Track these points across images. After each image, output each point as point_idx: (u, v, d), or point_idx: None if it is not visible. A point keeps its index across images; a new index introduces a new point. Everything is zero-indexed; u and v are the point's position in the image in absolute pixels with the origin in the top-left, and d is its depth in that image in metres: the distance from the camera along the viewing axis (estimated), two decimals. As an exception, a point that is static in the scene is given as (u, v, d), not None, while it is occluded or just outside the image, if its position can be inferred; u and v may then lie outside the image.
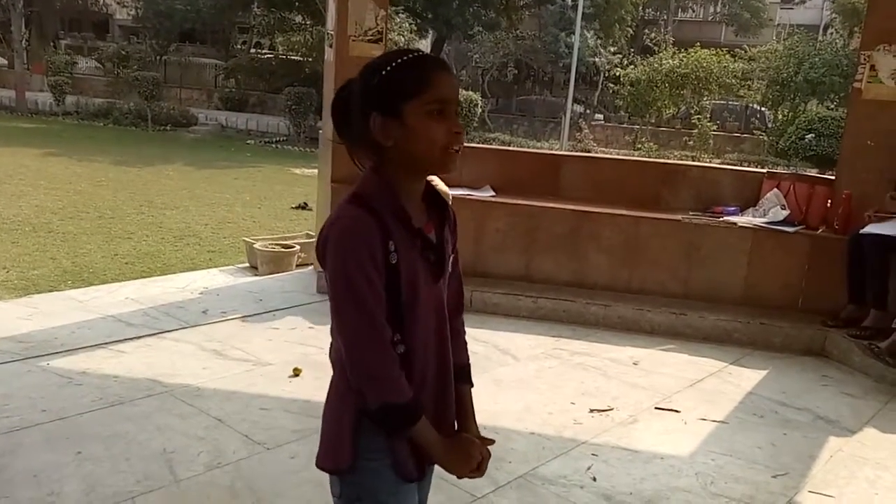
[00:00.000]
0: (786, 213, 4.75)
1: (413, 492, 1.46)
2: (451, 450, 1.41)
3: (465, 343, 1.57)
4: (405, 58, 1.32)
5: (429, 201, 1.42)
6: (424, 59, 1.34)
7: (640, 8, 27.77)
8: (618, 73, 21.69)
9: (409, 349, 1.36)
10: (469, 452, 1.42)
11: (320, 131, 5.79)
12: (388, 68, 1.31)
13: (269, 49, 28.37)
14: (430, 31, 25.58)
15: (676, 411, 3.45)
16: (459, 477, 1.44)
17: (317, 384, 2.74)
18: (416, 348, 1.37)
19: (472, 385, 1.56)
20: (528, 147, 17.16)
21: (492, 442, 1.49)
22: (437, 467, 1.46)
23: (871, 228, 4.18)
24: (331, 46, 5.01)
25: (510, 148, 13.33)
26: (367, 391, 1.33)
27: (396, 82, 1.31)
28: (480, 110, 19.90)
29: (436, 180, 5.19)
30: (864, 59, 4.57)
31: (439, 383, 1.45)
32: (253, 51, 29.17)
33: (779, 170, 11.54)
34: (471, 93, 19.96)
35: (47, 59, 23.63)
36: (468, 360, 1.57)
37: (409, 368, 1.37)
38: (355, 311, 1.30)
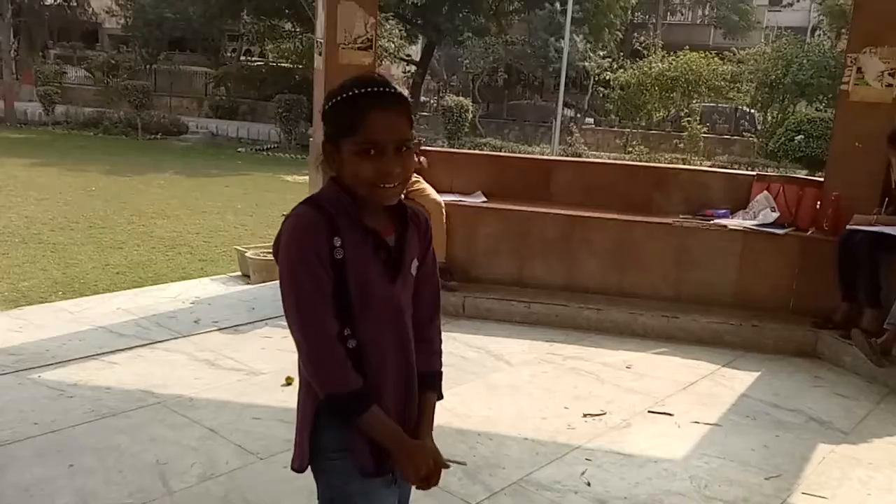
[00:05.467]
0: (776, 215, 4.78)
1: (385, 491, 1.47)
2: (402, 448, 1.42)
3: (438, 352, 1.58)
4: (348, 94, 1.36)
5: (389, 208, 1.46)
6: (366, 97, 1.35)
7: (629, 12, 27.89)
8: (608, 77, 21.77)
9: (362, 345, 1.40)
10: (416, 461, 1.43)
11: (311, 138, 5.79)
12: (332, 103, 1.38)
13: (260, 56, 28.34)
14: (420, 38, 25.62)
15: (669, 415, 3.46)
16: (408, 481, 1.46)
17: (310, 393, 2.74)
18: (370, 345, 1.41)
19: (437, 394, 1.56)
20: (520, 152, 17.20)
21: (446, 466, 1.49)
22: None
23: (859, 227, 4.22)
24: (320, 54, 5.01)
25: (501, 153, 13.36)
26: (313, 381, 1.39)
27: (335, 118, 1.38)
28: (471, 116, 19.92)
29: (427, 189, 5.17)
30: (851, 62, 4.61)
31: (402, 386, 1.48)
32: (243, 58, 29.14)
33: (768, 171, 11.62)
34: (461, 98, 20.00)
35: (36, 68, 23.52)
36: (439, 368, 1.58)
37: (362, 364, 1.40)
38: (296, 302, 1.36)
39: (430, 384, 1.55)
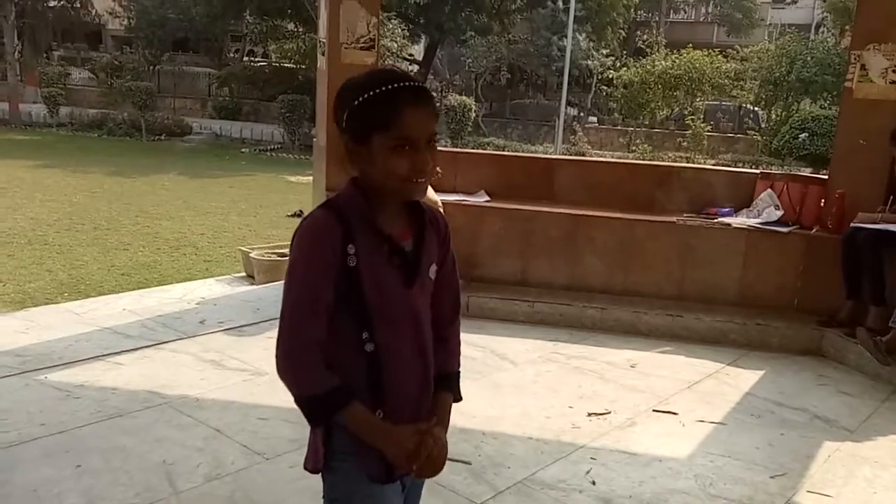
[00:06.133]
0: (780, 213, 4.77)
1: (391, 498, 1.47)
2: (383, 432, 1.39)
3: (455, 352, 1.57)
4: (380, 89, 1.34)
5: (408, 210, 1.46)
6: (399, 92, 1.34)
7: (632, 10, 27.85)
8: (611, 76, 21.71)
9: (379, 349, 1.40)
10: (405, 443, 1.38)
11: (314, 139, 5.80)
12: (362, 98, 1.34)
13: (263, 57, 28.37)
14: (423, 37, 25.62)
15: (674, 413, 3.46)
16: (395, 464, 1.40)
17: (315, 393, 2.75)
18: (387, 350, 1.41)
19: (453, 394, 1.54)
20: (523, 151, 17.18)
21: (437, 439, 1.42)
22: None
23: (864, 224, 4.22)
24: (323, 54, 5.02)
25: (504, 153, 13.34)
26: (287, 383, 1.38)
27: (367, 114, 1.34)
28: (474, 115, 19.92)
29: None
30: (855, 59, 4.60)
31: (419, 392, 1.47)
32: (246, 59, 29.18)
33: (773, 170, 11.59)
34: (464, 97, 19.99)
35: (40, 70, 23.58)
36: (456, 369, 1.57)
37: (379, 368, 1.40)
38: (287, 302, 1.37)
39: (446, 384, 1.53)
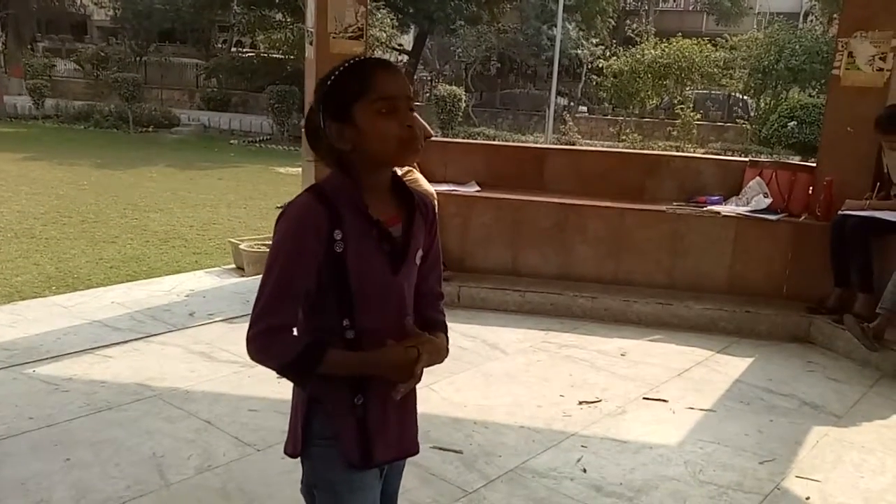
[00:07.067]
0: (768, 201, 4.79)
1: (370, 483, 1.47)
2: (381, 360, 1.39)
3: (442, 311, 1.56)
4: (347, 64, 1.38)
5: (397, 195, 1.46)
6: (365, 61, 1.39)
7: (621, -1, 27.83)
8: (600, 65, 21.71)
9: (360, 335, 1.39)
10: (400, 355, 1.39)
11: (303, 129, 5.76)
12: (333, 77, 1.38)
13: (251, 47, 28.13)
14: (412, 26, 25.49)
15: (664, 401, 3.48)
16: (402, 381, 1.42)
17: (306, 384, 2.74)
18: (368, 335, 1.40)
19: (445, 335, 1.53)
20: (513, 140, 17.17)
21: (424, 337, 1.44)
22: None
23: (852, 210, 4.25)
24: (311, 44, 4.99)
25: (494, 142, 13.34)
26: (263, 360, 1.37)
27: (342, 88, 1.37)
28: (464, 105, 19.86)
29: (420, 179, 5.17)
30: (842, 46, 4.61)
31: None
32: (234, 49, 28.93)
33: (762, 158, 11.63)
34: (454, 87, 19.92)
35: (25, 62, 23.31)
36: (444, 321, 1.56)
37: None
38: (265, 286, 1.35)
39: (437, 328, 1.51)
